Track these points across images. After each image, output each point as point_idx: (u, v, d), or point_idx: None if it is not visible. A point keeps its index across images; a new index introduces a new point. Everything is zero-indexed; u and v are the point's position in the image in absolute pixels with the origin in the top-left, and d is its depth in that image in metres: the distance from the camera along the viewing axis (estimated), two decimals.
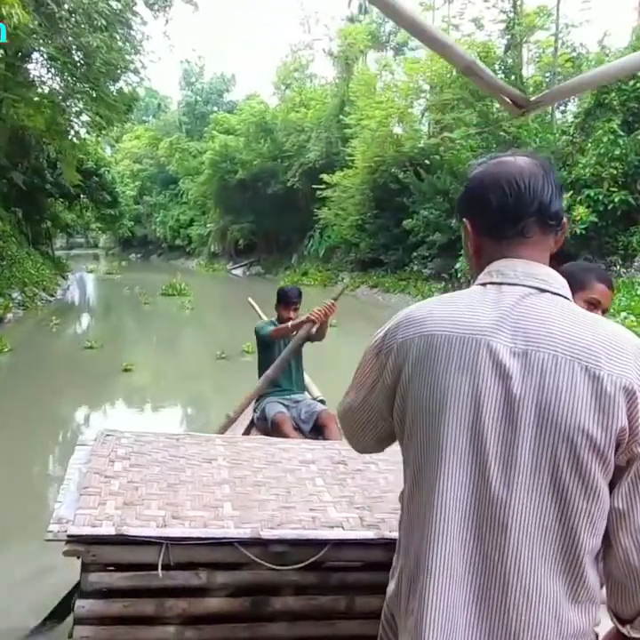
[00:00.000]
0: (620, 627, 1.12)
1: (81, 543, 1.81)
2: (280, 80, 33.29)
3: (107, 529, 1.84)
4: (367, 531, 1.97)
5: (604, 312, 1.99)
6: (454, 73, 17.14)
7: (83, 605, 1.83)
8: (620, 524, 1.03)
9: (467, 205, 1.19)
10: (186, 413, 7.31)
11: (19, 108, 18.99)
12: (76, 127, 18.70)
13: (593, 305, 1.94)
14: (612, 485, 1.03)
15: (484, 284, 1.13)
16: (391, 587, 1.21)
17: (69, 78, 16.98)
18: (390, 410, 1.17)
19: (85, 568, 1.85)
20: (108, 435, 2.55)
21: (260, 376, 4.11)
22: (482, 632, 1.05)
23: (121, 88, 18.97)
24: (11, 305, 14.90)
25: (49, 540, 1.82)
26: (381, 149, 19.95)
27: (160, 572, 1.81)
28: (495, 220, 1.13)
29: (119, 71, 17.59)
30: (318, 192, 22.75)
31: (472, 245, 1.19)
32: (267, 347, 4.19)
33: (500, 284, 1.11)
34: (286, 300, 4.15)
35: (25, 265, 19.03)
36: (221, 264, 36.16)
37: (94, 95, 17.87)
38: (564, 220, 1.15)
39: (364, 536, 1.94)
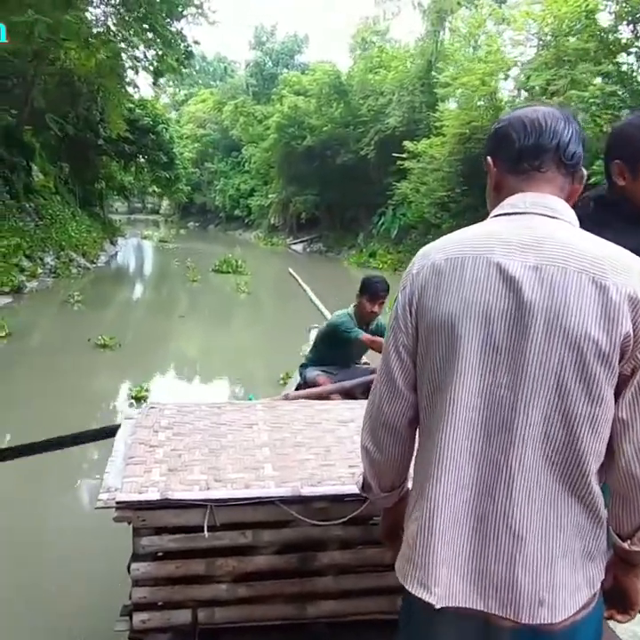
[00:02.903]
0: (620, 542, 1.16)
1: (130, 509, 1.86)
2: (359, 36, 30.12)
3: (152, 494, 1.89)
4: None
5: None
6: (585, 17, 13.86)
7: (137, 568, 1.91)
8: (624, 433, 1.09)
9: (492, 143, 1.27)
10: None
11: (70, 48, 16.90)
12: (130, 71, 16.32)
13: None
14: (617, 396, 1.08)
15: (496, 216, 1.22)
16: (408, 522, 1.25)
17: (124, 13, 14.63)
18: (411, 340, 1.21)
19: (137, 533, 1.91)
20: (151, 407, 2.60)
21: (311, 359, 4.00)
22: (486, 533, 1.12)
23: (182, 29, 16.53)
24: (39, 271, 12.86)
25: (99, 508, 1.87)
26: (479, 113, 16.81)
27: (206, 533, 1.86)
28: (516, 155, 1.20)
29: (180, 7, 15.09)
30: (398, 162, 19.81)
31: (493, 182, 1.26)
32: (339, 343, 3.85)
33: (511, 214, 1.18)
34: (372, 292, 3.79)
35: (66, 226, 17.05)
36: (281, 238, 33.86)
37: (151, 36, 15.53)
38: (583, 170, 1.22)
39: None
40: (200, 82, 58.22)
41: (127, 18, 14.34)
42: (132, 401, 5.00)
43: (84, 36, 14.30)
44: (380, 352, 3.30)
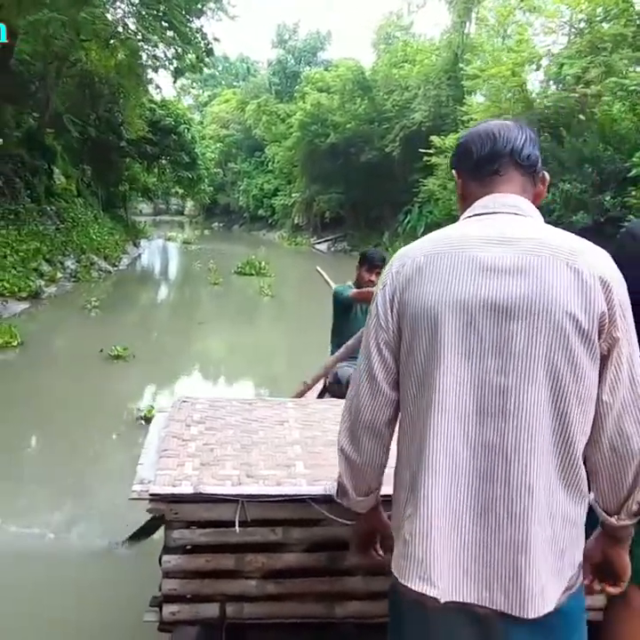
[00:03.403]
0: (608, 518, 1.23)
1: (163, 502, 1.88)
2: (383, 32, 29.52)
3: (185, 488, 1.91)
4: None
5: None
6: (621, 1, 13.13)
7: (168, 560, 1.92)
8: (607, 413, 1.16)
9: (455, 158, 1.38)
10: None
11: (90, 49, 16.72)
12: (149, 71, 16.05)
13: None
14: (599, 378, 1.15)
15: (467, 217, 1.29)
16: (393, 518, 1.28)
17: (143, 11, 14.35)
18: (393, 336, 1.24)
19: (168, 525, 1.92)
20: (183, 401, 2.61)
21: (333, 341, 4.09)
22: (487, 521, 1.12)
23: (202, 26, 16.20)
24: (58, 275, 12.64)
25: (133, 499, 1.94)
26: (508, 105, 16.13)
27: (237, 528, 1.86)
28: (474, 163, 1.31)
29: (199, 3, 14.75)
30: (425, 158, 19.21)
31: (459, 191, 1.36)
32: (345, 311, 4.09)
33: (481, 214, 1.27)
34: (370, 263, 4.02)
35: (88, 229, 16.88)
36: (305, 237, 33.45)
37: (170, 34, 15.22)
38: (544, 173, 1.32)
39: None
40: (223, 82, 58.22)
41: (146, 15, 14.03)
42: (142, 422, 4.59)
43: (104, 36, 14.08)
44: (366, 299, 3.64)
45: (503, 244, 1.17)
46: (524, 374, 1.11)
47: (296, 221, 34.90)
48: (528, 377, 1.11)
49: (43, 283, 11.50)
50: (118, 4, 14.52)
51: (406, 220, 24.69)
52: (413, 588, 1.16)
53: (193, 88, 62.17)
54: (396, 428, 1.30)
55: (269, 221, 39.93)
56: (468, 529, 1.13)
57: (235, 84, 54.62)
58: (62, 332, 8.22)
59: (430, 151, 19.01)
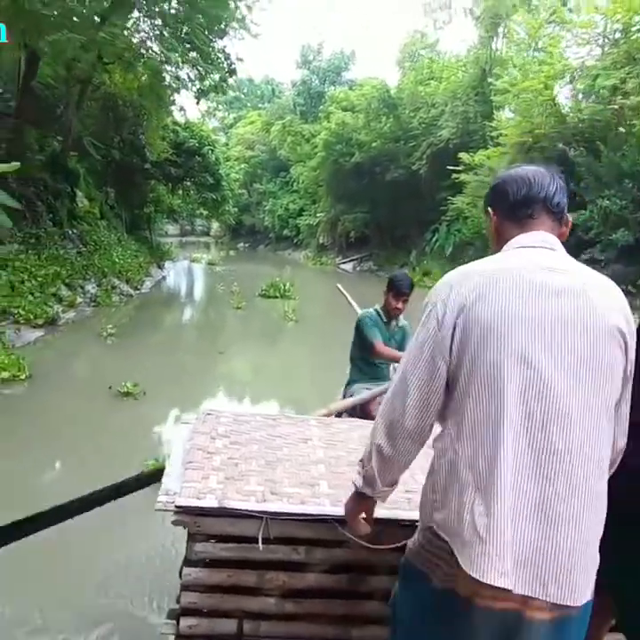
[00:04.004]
0: None
1: (187, 514, 1.87)
2: (407, 51, 29.25)
3: (210, 502, 1.90)
4: None
5: None
6: None
7: (189, 573, 1.92)
8: (619, 423, 1.40)
9: (491, 197, 1.52)
10: None
11: (113, 72, 16.65)
12: (172, 92, 15.89)
13: None
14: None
15: (509, 251, 1.44)
16: (440, 515, 1.34)
17: (166, 33, 14.21)
18: (449, 353, 1.33)
19: (191, 538, 1.92)
20: (208, 414, 2.62)
21: (352, 364, 4.05)
22: (549, 521, 1.24)
23: (225, 47, 16.03)
24: (78, 300, 12.33)
25: (158, 510, 1.90)
26: (541, 120, 15.54)
27: (260, 545, 1.85)
28: (511, 205, 1.45)
29: (222, 24, 14.55)
30: (453, 176, 18.68)
31: (494, 229, 1.51)
32: (368, 346, 3.90)
33: (520, 247, 1.42)
34: (397, 290, 3.88)
35: (111, 252, 16.66)
36: (330, 257, 33.06)
37: (194, 55, 15.06)
38: (568, 216, 1.49)
39: None
40: (248, 104, 58.71)
41: (168, 36, 13.88)
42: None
43: (127, 59, 13.94)
44: (388, 359, 3.81)
45: (548, 271, 1.33)
46: (585, 380, 1.27)
47: (321, 241, 34.59)
48: (588, 383, 1.27)
49: (61, 308, 11.17)
50: (141, 25, 14.39)
51: (434, 239, 24.12)
52: (492, 583, 1.23)
53: (219, 110, 62.92)
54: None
55: (294, 241, 39.75)
56: (532, 530, 1.24)
57: (260, 105, 55.04)
58: (74, 364, 7.79)
59: (459, 168, 18.48)
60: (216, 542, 1.93)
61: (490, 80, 19.00)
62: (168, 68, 14.86)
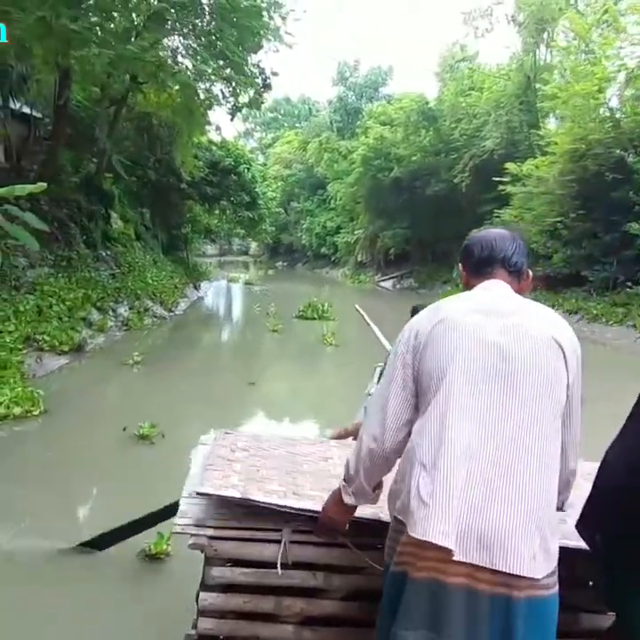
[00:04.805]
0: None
1: (205, 537, 1.83)
2: (446, 63, 28.52)
3: (232, 491, 1.87)
4: None
5: None
6: None
7: (205, 598, 1.88)
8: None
9: (462, 255, 1.77)
10: None
11: (148, 92, 16.44)
12: (206, 108, 15.54)
13: None
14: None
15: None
16: (399, 501, 1.48)
17: (198, 47, 13.87)
18: (413, 373, 1.56)
19: (208, 562, 1.88)
20: (226, 433, 2.59)
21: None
22: (494, 492, 1.35)
23: (260, 61, 15.60)
24: (109, 324, 11.88)
25: (175, 533, 1.86)
26: (595, 125, 14.53)
27: (280, 569, 1.81)
28: (476, 263, 1.72)
29: (256, 38, 14.11)
30: (500, 187, 17.76)
31: (464, 281, 1.77)
32: None
33: (480, 289, 1.67)
34: None
35: (145, 273, 16.30)
36: (368, 275, 32.35)
37: (228, 72, 14.66)
38: (528, 273, 1.73)
39: None
40: (286, 124, 59.00)
41: (200, 50, 13.51)
42: (149, 552, 3.33)
43: (161, 78, 13.61)
44: None
45: (501, 316, 1.54)
46: (530, 381, 1.47)
47: (359, 259, 33.94)
48: (532, 384, 1.46)
49: (90, 333, 10.72)
50: (173, 41, 14.08)
51: None
52: (434, 540, 1.33)
53: (256, 131, 63.49)
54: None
55: (332, 259, 39.29)
56: (473, 498, 1.35)
57: (296, 125, 55.16)
58: (94, 396, 7.16)
59: (505, 179, 17.54)
60: (233, 566, 1.88)
61: (538, 86, 18.05)
62: (200, 84, 14.49)
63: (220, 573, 1.86)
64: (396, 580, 1.41)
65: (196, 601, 1.87)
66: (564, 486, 1.58)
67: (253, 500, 1.82)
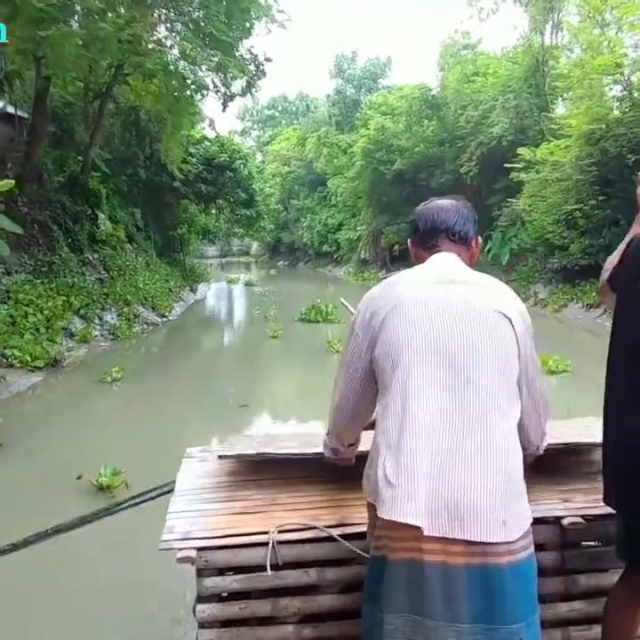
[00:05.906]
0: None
1: (193, 549, 1.82)
2: (448, 52, 27.42)
3: (248, 449, 2.06)
4: None
5: None
6: None
7: (203, 610, 1.87)
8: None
9: (410, 230, 1.82)
10: None
11: (136, 83, 15.38)
12: (192, 93, 14.52)
13: None
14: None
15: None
16: (370, 486, 1.48)
17: (182, 25, 12.87)
18: (371, 355, 1.56)
19: (200, 573, 1.87)
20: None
21: None
22: (456, 466, 1.36)
23: (252, 47, 14.61)
24: (94, 333, 10.90)
25: (162, 550, 1.83)
26: (612, 104, 13.47)
27: (269, 570, 1.80)
28: (421, 236, 1.74)
29: (245, 15, 13.08)
30: (512, 173, 16.70)
31: (413, 254, 1.79)
32: None
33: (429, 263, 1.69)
34: None
35: (136, 277, 15.31)
36: (372, 272, 31.26)
37: (217, 60, 13.62)
38: (477, 239, 1.74)
39: None
40: (283, 122, 58.02)
41: (190, 37, 12.51)
42: None
43: (140, 61, 12.54)
44: None
45: (454, 271, 1.62)
46: (483, 347, 1.48)
47: (362, 256, 32.86)
48: (487, 352, 1.48)
49: (71, 344, 9.75)
50: (159, 27, 13.08)
51: (487, 248, 22.06)
52: (402, 520, 1.33)
53: (254, 129, 62.44)
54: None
55: (334, 257, 38.26)
56: (437, 475, 1.35)
57: (294, 122, 54.15)
58: (60, 425, 6.12)
59: (517, 165, 16.47)
60: (225, 575, 1.89)
61: (551, 64, 16.98)
62: (185, 64, 13.45)
63: (214, 583, 1.86)
64: (376, 565, 1.44)
65: (193, 614, 1.87)
66: (530, 443, 1.65)
67: (267, 453, 1.96)
